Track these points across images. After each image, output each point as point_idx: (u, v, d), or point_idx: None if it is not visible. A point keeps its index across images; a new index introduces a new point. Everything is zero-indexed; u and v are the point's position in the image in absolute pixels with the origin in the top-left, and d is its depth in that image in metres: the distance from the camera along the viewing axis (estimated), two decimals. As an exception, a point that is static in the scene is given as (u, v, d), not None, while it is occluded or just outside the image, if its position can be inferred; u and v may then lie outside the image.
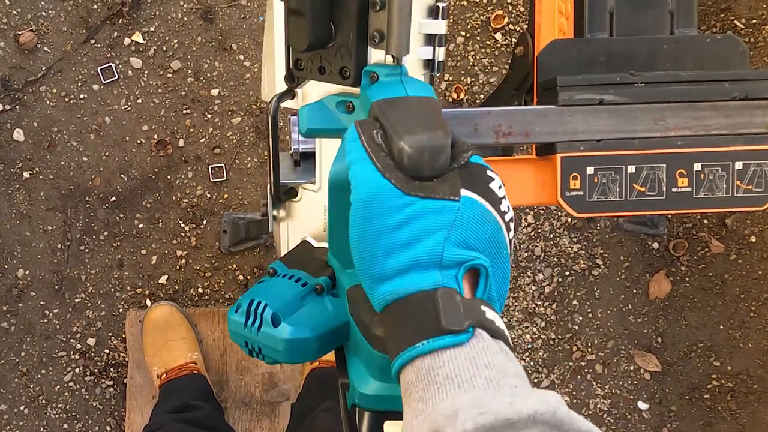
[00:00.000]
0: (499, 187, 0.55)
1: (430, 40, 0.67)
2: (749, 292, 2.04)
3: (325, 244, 0.80)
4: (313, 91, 0.75)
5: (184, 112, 1.88)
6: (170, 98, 1.88)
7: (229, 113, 1.89)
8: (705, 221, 2.02)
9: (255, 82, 1.89)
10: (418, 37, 0.65)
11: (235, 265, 1.91)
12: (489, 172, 0.55)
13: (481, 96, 1.88)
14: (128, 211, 1.89)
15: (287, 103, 0.79)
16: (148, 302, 1.89)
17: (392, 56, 0.63)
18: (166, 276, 1.90)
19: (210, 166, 1.89)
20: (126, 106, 1.87)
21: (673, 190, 0.93)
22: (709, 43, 1.00)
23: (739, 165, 0.93)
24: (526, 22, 1.21)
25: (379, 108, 0.58)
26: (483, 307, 0.50)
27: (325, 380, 1.74)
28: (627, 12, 1.03)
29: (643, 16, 1.03)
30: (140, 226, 1.89)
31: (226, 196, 1.90)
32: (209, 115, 1.89)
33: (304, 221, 0.86)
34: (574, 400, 2.00)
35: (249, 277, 1.91)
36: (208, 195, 1.89)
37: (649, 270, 2.03)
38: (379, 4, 0.61)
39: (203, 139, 1.89)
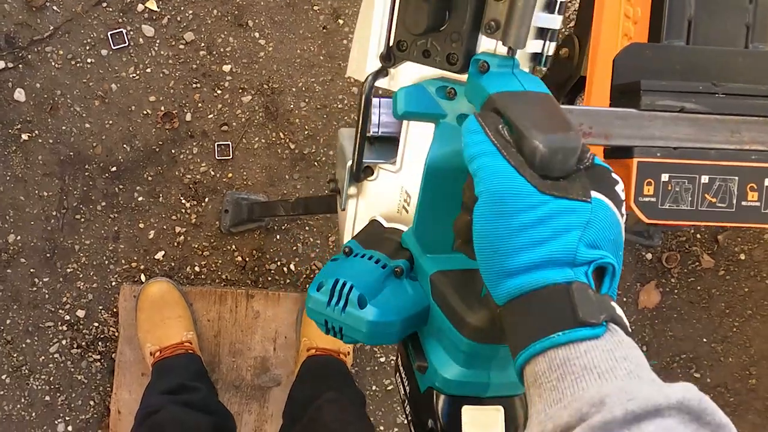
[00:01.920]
0: (621, 190, 0.56)
1: (542, 33, 0.66)
2: (734, 308, 2.08)
3: (396, 225, 0.81)
4: (405, 72, 0.74)
5: (194, 85, 1.84)
6: (180, 70, 1.83)
7: (240, 91, 1.85)
8: (698, 236, 2.06)
9: (268, 60, 1.85)
10: (531, 25, 0.64)
11: (234, 246, 1.87)
12: (613, 175, 0.56)
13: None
14: (128, 182, 1.84)
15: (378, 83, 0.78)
16: (143, 277, 1.84)
17: (508, 48, 0.62)
18: (163, 252, 1.85)
19: (216, 143, 1.85)
20: (134, 75, 1.82)
21: (743, 203, 0.95)
22: None
23: None
24: (572, 24, 1.20)
25: (502, 101, 0.57)
26: (612, 303, 0.51)
27: (324, 368, 1.72)
28: (705, 21, 1.03)
29: (721, 26, 1.04)
30: (140, 199, 1.84)
31: (230, 175, 1.86)
32: (219, 91, 1.85)
33: (376, 200, 0.85)
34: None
35: (247, 259, 1.87)
36: (212, 173, 1.85)
37: (641, 280, 2.06)
38: None
39: (211, 115, 1.85)
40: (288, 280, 1.90)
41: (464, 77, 0.66)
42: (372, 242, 0.79)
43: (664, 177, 0.92)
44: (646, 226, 2.07)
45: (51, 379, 1.85)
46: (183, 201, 1.85)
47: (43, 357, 1.84)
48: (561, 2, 0.64)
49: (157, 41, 1.82)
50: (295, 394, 1.67)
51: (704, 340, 2.08)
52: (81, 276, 1.84)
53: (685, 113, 0.93)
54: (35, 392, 1.85)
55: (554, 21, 0.64)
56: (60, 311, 1.84)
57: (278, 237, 1.89)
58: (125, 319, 1.81)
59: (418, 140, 0.77)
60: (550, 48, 0.66)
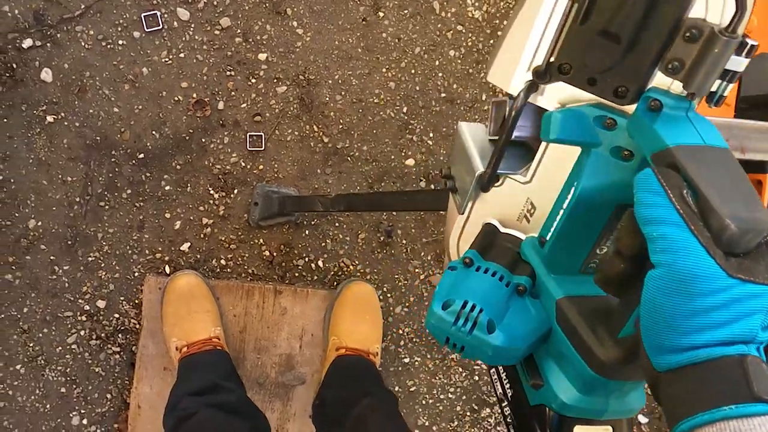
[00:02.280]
0: None
1: (724, 74, 0.61)
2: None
3: (513, 231, 0.80)
4: (556, 89, 0.70)
5: (228, 73, 1.78)
6: (215, 57, 1.77)
7: (275, 81, 1.80)
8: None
9: (305, 50, 1.80)
10: None
11: (261, 240, 1.82)
12: None
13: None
14: (156, 170, 1.77)
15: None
16: (167, 269, 1.78)
17: (688, 93, 0.59)
18: (189, 243, 1.80)
19: (248, 134, 1.79)
20: (167, 59, 1.75)
21: None
22: None
23: None
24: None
25: (683, 159, 0.54)
26: None
27: (354, 369, 1.69)
28: None
29: None
30: (167, 188, 1.78)
31: (261, 167, 1.80)
32: (253, 80, 1.79)
33: (494, 204, 0.82)
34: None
35: (275, 254, 1.83)
36: (243, 164, 1.80)
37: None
38: (695, 35, 0.57)
39: (244, 105, 1.79)
40: (315, 277, 1.85)
41: (627, 108, 0.64)
42: (490, 251, 0.78)
43: None
44: None
45: (67, 370, 1.79)
46: (211, 192, 1.79)
47: (60, 348, 1.78)
48: (753, 45, 0.60)
49: (192, 25, 1.75)
50: (326, 396, 1.63)
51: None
52: (103, 265, 1.77)
53: None
54: (50, 383, 1.78)
55: (741, 64, 0.61)
56: (80, 301, 1.77)
57: (307, 232, 1.84)
58: (149, 312, 1.75)
59: (555, 157, 0.74)
60: (727, 89, 0.62)
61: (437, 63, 1.84)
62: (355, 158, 1.83)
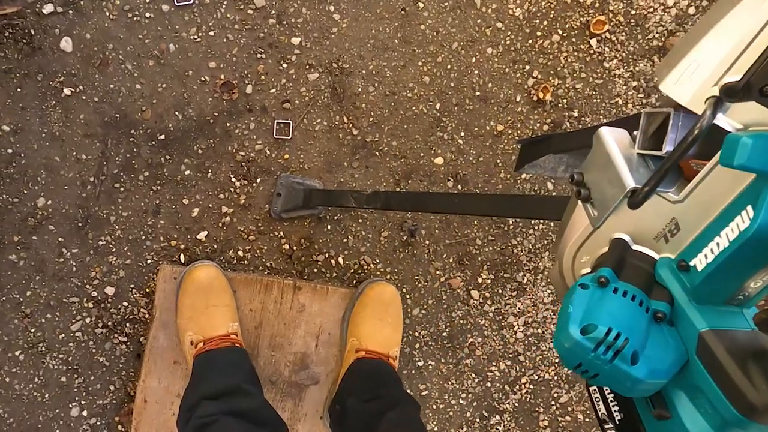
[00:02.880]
0: None
1: None
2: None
3: (646, 250, 0.76)
4: (741, 110, 0.65)
5: (258, 56, 1.69)
6: (246, 38, 1.68)
7: (307, 67, 1.71)
8: None
9: (341, 38, 1.71)
10: None
11: (282, 233, 1.74)
12: None
13: (564, 100, 1.80)
14: (176, 153, 1.68)
15: None
16: (182, 257, 1.69)
17: None
18: (206, 232, 1.71)
19: (276, 121, 1.70)
20: (195, 37, 1.66)
21: None
22: None
23: None
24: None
25: None
26: None
27: (375, 374, 1.62)
28: None
29: None
30: (186, 172, 1.69)
31: (286, 156, 1.72)
32: (285, 65, 1.70)
33: (630, 220, 0.77)
34: (587, 419, 1.98)
35: (294, 248, 1.75)
36: (268, 152, 1.71)
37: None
38: None
39: (273, 90, 1.70)
40: (334, 274, 1.78)
41: None
42: (624, 270, 0.74)
43: None
44: None
45: (69, 359, 1.69)
46: (233, 179, 1.71)
47: (63, 335, 1.67)
48: None
49: (225, 2, 1.66)
50: (347, 404, 1.56)
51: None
52: (114, 250, 1.67)
53: None
54: (51, 372, 1.68)
55: None
56: (87, 287, 1.67)
57: (329, 227, 1.77)
58: (162, 302, 1.66)
59: (719, 180, 0.69)
60: None
61: (474, 60, 1.78)
62: (384, 153, 1.76)
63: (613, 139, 0.79)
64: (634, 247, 0.77)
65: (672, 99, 0.71)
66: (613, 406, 0.77)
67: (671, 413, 0.69)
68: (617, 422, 0.76)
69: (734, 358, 0.63)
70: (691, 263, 0.69)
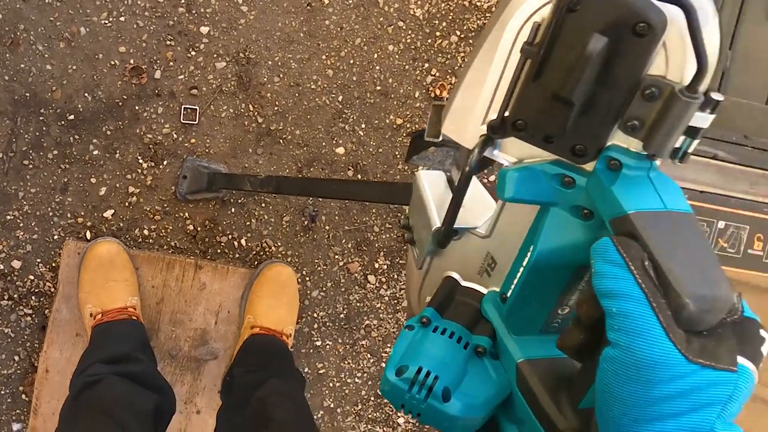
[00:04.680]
0: (766, 349, 0.51)
1: (689, 131, 0.56)
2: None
3: (474, 285, 0.76)
4: (513, 144, 0.64)
5: (168, 43, 1.76)
6: (156, 25, 1.75)
7: (215, 56, 1.79)
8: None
9: (248, 29, 1.80)
10: None
11: (187, 214, 1.82)
12: (762, 332, 0.51)
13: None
14: (85, 133, 1.74)
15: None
16: (88, 234, 1.76)
17: (650, 154, 0.56)
18: (113, 211, 1.78)
19: (183, 106, 1.78)
20: (106, 21, 1.73)
21: (749, 251, 0.99)
22: None
23: None
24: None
25: (643, 228, 0.50)
26: None
27: (267, 349, 1.71)
28: (738, 74, 1.08)
29: (750, 81, 1.08)
30: (95, 152, 1.75)
31: (193, 140, 1.80)
32: (193, 53, 1.78)
33: (455, 259, 0.78)
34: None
35: (199, 229, 1.83)
36: (175, 135, 1.79)
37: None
38: (654, 94, 0.53)
39: (182, 76, 1.78)
40: (237, 255, 1.87)
41: (586, 165, 0.59)
42: (449, 308, 0.74)
43: None
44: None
45: (-26, 328, 1.75)
46: (140, 161, 1.78)
47: (-33, 304, 1.74)
48: (717, 101, 0.56)
49: (136, -9, 1.73)
50: (236, 374, 1.65)
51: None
52: (21, 225, 1.74)
53: (717, 160, 0.96)
54: (-46, 340, 1.74)
55: (705, 121, 0.56)
56: (-7, 259, 1.74)
57: (233, 210, 1.85)
58: (66, 276, 1.72)
59: (514, 211, 0.71)
60: (692, 145, 0.58)
61: (375, 56, 1.88)
62: (287, 141, 1.85)
63: (427, 181, 0.81)
64: (464, 283, 0.77)
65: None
66: None
67: None
68: None
69: (546, 386, 0.63)
70: (508, 295, 0.69)
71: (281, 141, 1.85)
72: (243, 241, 1.87)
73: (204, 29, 1.78)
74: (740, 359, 0.48)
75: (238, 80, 1.81)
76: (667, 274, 0.47)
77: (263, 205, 1.86)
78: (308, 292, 1.93)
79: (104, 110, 1.75)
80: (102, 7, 1.72)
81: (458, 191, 0.70)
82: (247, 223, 1.86)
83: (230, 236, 1.86)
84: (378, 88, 1.88)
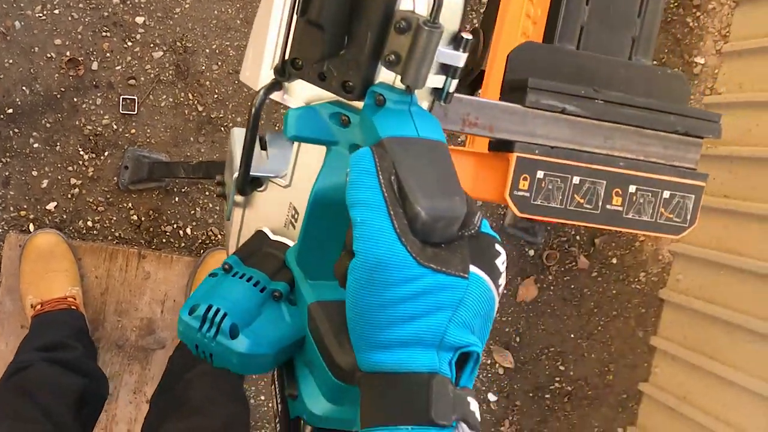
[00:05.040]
0: (503, 263, 0.54)
1: (445, 69, 0.60)
2: (601, 308, 2.23)
3: (282, 239, 0.78)
4: (302, 88, 0.68)
5: (104, 34, 1.78)
6: (91, 16, 1.76)
7: (152, 45, 1.80)
8: (578, 237, 2.18)
9: (184, 17, 1.81)
10: (433, 65, 0.59)
11: (130, 204, 1.83)
12: (497, 247, 0.54)
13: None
14: (24, 127, 1.75)
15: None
16: (32, 227, 1.77)
17: (406, 86, 0.58)
18: (55, 203, 1.79)
19: (122, 97, 1.79)
20: (41, 14, 1.74)
21: (608, 206, 0.98)
22: (660, 75, 1.07)
23: (666, 194, 1.00)
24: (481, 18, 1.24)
25: (392, 150, 0.53)
26: (469, 398, 0.50)
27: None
28: (596, 29, 1.07)
29: (609, 36, 1.07)
30: (35, 145, 1.76)
31: (133, 131, 1.81)
32: (130, 43, 1.79)
33: (263, 212, 0.81)
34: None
35: (143, 218, 1.84)
36: (115, 126, 1.80)
37: (522, 274, 2.16)
38: (404, 27, 0.56)
39: (119, 67, 1.79)
40: (183, 244, 1.88)
41: (360, 104, 0.61)
42: (254, 258, 0.76)
43: (540, 174, 0.95)
44: (531, 223, 2.19)
45: None
46: (81, 152, 1.79)
47: None
48: (467, 40, 0.59)
49: (69, -17, 1.75)
50: (173, 360, 1.66)
51: (572, 335, 2.22)
52: (-38, 219, 1.75)
53: (565, 114, 0.95)
54: None
55: (458, 59, 0.59)
56: (-64, 254, 1.75)
57: (177, 199, 1.86)
58: (8, 269, 1.74)
59: (310, 158, 0.74)
60: (452, 84, 0.61)
61: (316, 42, 1.88)
62: (229, 129, 1.86)
63: (240, 136, 0.81)
64: (273, 237, 0.79)
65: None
66: (278, 399, 0.75)
67: (298, 391, 0.68)
68: (278, 414, 0.74)
69: (332, 325, 0.64)
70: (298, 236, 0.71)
71: (222, 129, 1.86)
72: (188, 230, 1.87)
73: (139, 19, 1.79)
74: (473, 268, 0.50)
75: (176, 69, 1.82)
76: (405, 187, 0.50)
77: (207, 193, 1.87)
78: (257, 279, 1.93)
79: (43, 103, 1.76)
80: (36, 1, 1.73)
81: (248, 132, 0.71)
82: (192, 211, 1.87)
83: (175, 225, 1.87)
84: (318, 73, 1.89)
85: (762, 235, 1.94)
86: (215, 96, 1.84)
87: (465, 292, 0.49)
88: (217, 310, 0.67)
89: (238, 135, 0.83)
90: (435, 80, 0.60)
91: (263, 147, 0.81)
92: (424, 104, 0.62)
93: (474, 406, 0.50)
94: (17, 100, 1.74)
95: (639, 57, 1.07)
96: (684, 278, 2.20)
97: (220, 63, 1.84)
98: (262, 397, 1.99)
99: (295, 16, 0.61)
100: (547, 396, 2.22)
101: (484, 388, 2.16)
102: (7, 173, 1.76)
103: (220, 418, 1.37)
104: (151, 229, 1.85)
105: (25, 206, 1.78)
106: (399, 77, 0.57)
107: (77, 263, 1.75)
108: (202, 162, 1.61)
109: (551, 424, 2.23)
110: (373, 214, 0.49)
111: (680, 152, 0.99)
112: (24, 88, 1.74)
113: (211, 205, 1.87)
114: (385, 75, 0.60)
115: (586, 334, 2.23)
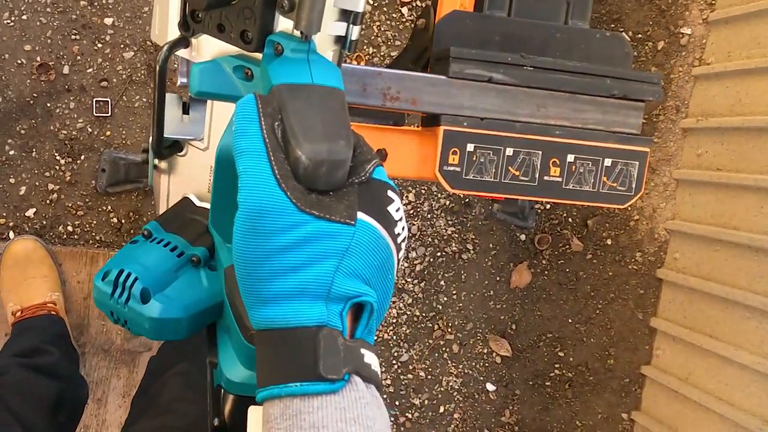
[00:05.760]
0: (397, 210, 0.52)
1: (345, 15, 0.58)
2: (598, 291, 2.19)
3: (207, 205, 0.76)
4: (209, 44, 0.66)
5: (73, 37, 1.77)
6: (59, 20, 1.76)
7: (122, 46, 1.79)
8: (570, 220, 2.14)
9: (152, 17, 1.79)
10: (332, 11, 0.58)
11: (110, 207, 1.82)
12: (389, 193, 0.52)
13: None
14: (-2, 134, 1.76)
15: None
16: (12, 234, 1.77)
17: (302, 34, 0.57)
18: (34, 209, 1.78)
19: (95, 99, 1.78)
20: (9, 21, 1.73)
21: (545, 178, 0.94)
22: (598, 38, 1.02)
23: (608, 162, 0.96)
24: None
25: (281, 96, 0.51)
26: (363, 350, 0.48)
27: (196, 336, 1.70)
28: None
29: (542, 1, 1.03)
30: (11, 152, 1.76)
31: (108, 133, 1.80)
32: (100, 45, 1.78)
33: (187, 178, 0.80)
34: (429, 377, 2.07)
35: (123, 221, 1.83)
36: (90, 129, 1.79)
37: (514, 260, 2.13)
38: None
39: (90, 70, 1.78)
40: (164, 244, 1.86)
41: (261, 56, 0.60)
42: (176, 225, 0.74)
43: (470, 147, 0.91)
44: (521, 206, 2.15)
45: None
46: (57, 157, 1.78)
47: None
48: None
49: (36, -12, 1.74)
50: (152, 362, 1.65)
51: (569, 320, 2.18)
52: (-58, 229, 1.75)
53: (493, 83, 0.91)
54: None
55: (357, 3, 0.58)
56: None
57: (156, 200, 1.84)
58: (-12, 277, 1.73)
59: (223, 119, 0.72)
60: (354, 32, 0.60)
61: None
62: (206, 127, 1.84)
63: (169, 100, 0.79)
64: (199, 204, 0.78)
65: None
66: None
67: (218, 359, 0.67)
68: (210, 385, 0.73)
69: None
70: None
71: (199, 127, 1.84)
72: (169, 231, 1.86)
73: (108, 20, 1.78)
74: (361, 215, 0.49)
75: (148, 69, 1.81)
76: (288, 133, 0.48)
77: (187, 192, 1.85)
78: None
79: (16, 110, 1.75)
80: (3, 8, 1.72)
81: (155, 90, 0.70)
82: (172, 211, 1.85)
83: (156, 226, 1.85)
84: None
85: (757, 206, 1.89)
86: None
87: (351, 239, 0.48)
88: (128, 275, 0.66)
89: (169, 99, 0.81)
90: (336, 27, 0.59)
91: (185, 111, 0.80)
92: (329, 54, 0.60)
93: (369, 357, 0.48)
94: (-10, 107, 1.74)
95: (575, 21, 1.03)
96: (681, 256, 2.16)
97: (192, 60, 1.82)
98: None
99: None
100: (547, 384, 2.18)
101: (482, 378, 2.13)
102: (-16, 182, 1.75)
103: (190, 416, 1.35)
104: (132, 231, 1.84)
105: (3, 214, 1.77)
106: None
107: (58, 269, 1.75)
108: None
109: (553, 412, 2.19)
110: (254, 161, 0.47)
111: (620, 117, 0.95)
112: (-4, 95, 1.74)
113: (191, 205, 1.86)
114: (284, 24, 0.58)
115: (584, 318, 2.19)
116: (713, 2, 2.12)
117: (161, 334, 0.67)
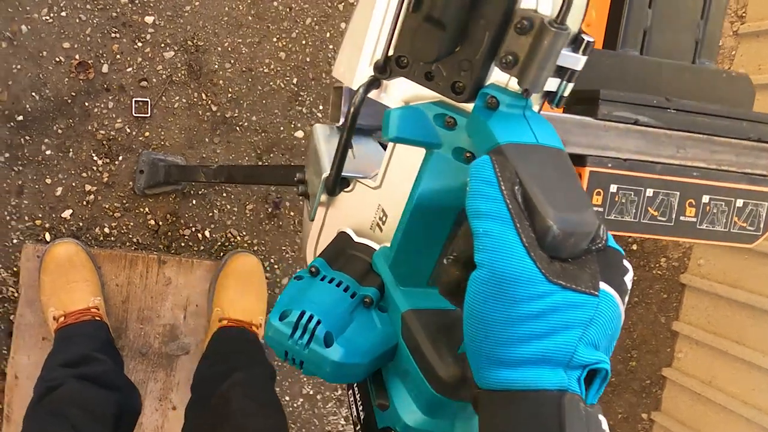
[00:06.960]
0: (630, 280, 0.52)
1: (562, 72, 0.57)
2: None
3: (367, 241, 0.75)
4: (399, 85, 0.65)
5: (113, 35, 1.72)
6: (99, 17, 1.71)
7: (162, 45, 1.75)
8: (598, 224, 2.15)
9: (194, 15, 1.76)
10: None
11: (147, 209, 1.79)
12: (625, 263, 0.52)
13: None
14: (36, 134, 1.71)
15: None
16: (47, 236, 1.73)
17: (523, 90, 0.55)
18: (71, 210, 1.75)
19: (134, 99, 1.75)
20: (48, 17, 1.68)
21: (681, 218, 0.96)
22: (724, 77, 1.05)
23: (739, 203, 0.98)
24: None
25: (514, 157, 0.50)
26: (600, 416, 0.48)
27: (235, 341, 1.69)
28: (660, 33, 1.04)
29: (673, 39, 1.04)
30: (48, 152, 1.72)
31: (147, 134, 1.76)
32: (140, 44, 1.74)
33: (348, 212, 0.78)
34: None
35: (161, 223, 1.80)
36: (128, 130, 1.76)
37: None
38: (526, 26, 0.53)
39: (130, 69, 1.74)
40: (202, 247, 1.84)
41: (467, 106, 0.59)
42: (340, 261, 0.73)
43: (613, 188, 0.92)
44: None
45: (-63, 339, 1.72)
46: (95, 158, 1.75)
47: (-71, 315, 1.71)
48: (588, 42, 0.57)
49: (76, -16, 1.69)
50: (203, 369, 1.63)
51: (594, 322, 2.19)
52: (-23, 231, 1.71)
53: (637, 126, 0.93)
54: None
55: (577, 61, 0.57)
56: (-49, 267, 1.71)
57: (194, 202, 1.82)
58: (27, 280, 1.70)
59: (403, 160, 0.70)
60: (567, 88, 0.59)
61: (328, 35, 1.84)
62: (244, 128, 1.82)
63: (323, 133, 0.81)
64: (357, 239, 0.76)
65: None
66: (359, 404, 0.74)
67: (390, 402, 0.66)
68: (362, 422, 0.73)
69: (429, 335, 0.63)
70: (393, 242, 0.68)
71: (238, 128, 1.82)
72: (207, 233, 1.84)
73: (149, 19, 1.74)
74: (603, 285, 0.48)
75: (189, 69, 1.77)
76: (533, 199, 0.48)
77: (225, 194, 1.83)
78: (278, 280, 1.90)
79: (53, 109, 1.71)
80: (42, 4, 1.67)
81: (345, 131, 0.69)
82: (210, 214, 1.83)
83: (193, 229, 1.83)
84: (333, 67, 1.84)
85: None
86: (229, 95, 1.80)
87: (595, 310, 0.47)
88: (311, 317, 0.65)
89: (321, 132, 0.81)
90: (549, 83, 0.57)
91: (351, 147, 0.79)
92: (536, 108, 0.59)
93: (605, 425, 0.48)
94: (27, 106, 1.69)
95: (703, 60, 1.03)
96: (705, 263, 2.18)
97: (232, 61, 1.79)
98: (287, 398, 1.97)
99: (404, 11, 0.59)
100: (570, 384, 2.20)
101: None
102: (20, 182, 1.71)
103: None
104: (170, 234, 1.81)
105: (39, 215, 1.73)
106: (512, 79, 0.55)
107: (98, 272, 1.71)
108: (222, 166, 1.56)
109: (575, 411, 2.21)
110: (498, 225, 0.47)
111: (752, 159, 0.96)
112: (33, 94, 1.69)
113: (229, 207, 1.83)
114: (496, 77, 0.57)
115: (607, 320, 2.21)
116: (743, 15, 2.14)
117: (339, 378, 0.66)
